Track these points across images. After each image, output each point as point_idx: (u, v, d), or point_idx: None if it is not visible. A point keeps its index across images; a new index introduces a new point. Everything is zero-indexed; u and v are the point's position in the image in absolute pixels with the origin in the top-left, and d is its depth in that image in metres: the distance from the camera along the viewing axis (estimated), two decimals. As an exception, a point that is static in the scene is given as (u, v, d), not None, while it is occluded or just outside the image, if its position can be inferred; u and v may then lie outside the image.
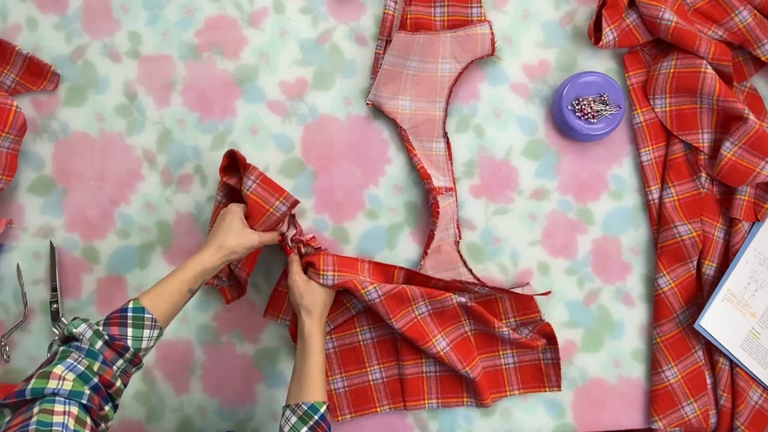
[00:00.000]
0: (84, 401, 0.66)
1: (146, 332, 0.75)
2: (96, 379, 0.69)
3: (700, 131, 0.97)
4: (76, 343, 0.72)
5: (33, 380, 0.66)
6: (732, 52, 0.99)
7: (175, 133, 1.00)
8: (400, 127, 0.98)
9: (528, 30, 1.02)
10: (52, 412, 0.63)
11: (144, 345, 0.75)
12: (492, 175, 1.00)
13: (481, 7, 0.99)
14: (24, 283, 0.98)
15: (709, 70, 0.94)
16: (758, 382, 0.96)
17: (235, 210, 0.86)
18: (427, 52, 0.97)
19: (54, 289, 0.97)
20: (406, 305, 0.91)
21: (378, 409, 0.96)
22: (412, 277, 0.95)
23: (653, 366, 0.97)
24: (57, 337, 0.74)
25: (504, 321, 0.97)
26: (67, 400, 0.65)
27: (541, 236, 1.00)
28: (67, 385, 0.66)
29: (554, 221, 1.00)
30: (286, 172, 1.00)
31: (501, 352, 0.97)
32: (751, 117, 0.92)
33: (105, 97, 1.00)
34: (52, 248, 0.98)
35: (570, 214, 1.00)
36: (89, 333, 0.72)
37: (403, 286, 0.91)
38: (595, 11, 0.97)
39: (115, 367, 0.72)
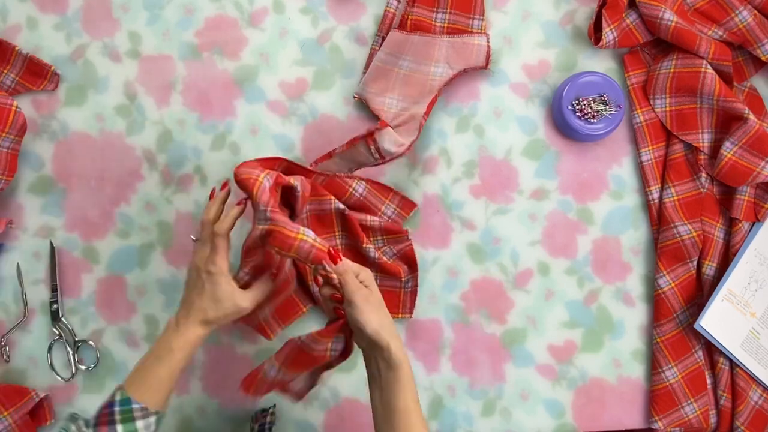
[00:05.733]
0: None
1: (139, 423, 0.68)
2: None
3: (700, 131, 0.97)
4: None
5: None
6: (732, 52, 0.99)
7: (175, 133, 1.00)
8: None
9: (528, 30, 1.02)
10: None
11: None
12: (492, 175, 1.00)
13: (483, 20, 0.99)
14: (24, 283, 0.98)
15: (709, 70, 0.94)
16: (758, 382, 0.96)
17: (214, 270, 0.72)
18: (422, 54, 0.97)
19: (54, 289, 0.97)
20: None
21: (304, 309, 0.96)
22: (293, 169, 0.89)
23: (653, 366, 0.97)
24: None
25: (371, 239, 0.96)
26: None
27: (541, 236, 1.00)
28: None
29: (554, 221, 1.00)
30: (286, 172, 1.00)
31: None
32: (751, 117, 0.92)
33: (105, 97, 1.00)
34: (52, 248, 0.98)
35: (570, 214, 1.00)
36: None
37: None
38: (595, 11, 0.97)
39: None
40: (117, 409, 0.68)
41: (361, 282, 0.71)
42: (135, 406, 0.68)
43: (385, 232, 0.96)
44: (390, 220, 0.97)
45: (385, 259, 0.95)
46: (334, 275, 0.71)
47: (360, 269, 0.73)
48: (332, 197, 0.94)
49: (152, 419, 0.69)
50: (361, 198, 0.96)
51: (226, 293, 0.72)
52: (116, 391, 0.70)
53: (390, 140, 0.92)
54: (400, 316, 0.97)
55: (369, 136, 0.92)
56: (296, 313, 0.97)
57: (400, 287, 0.97)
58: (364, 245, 0.94)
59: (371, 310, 0.69)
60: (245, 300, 0.74)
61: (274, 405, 0.92)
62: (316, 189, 0.94)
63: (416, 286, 0.97)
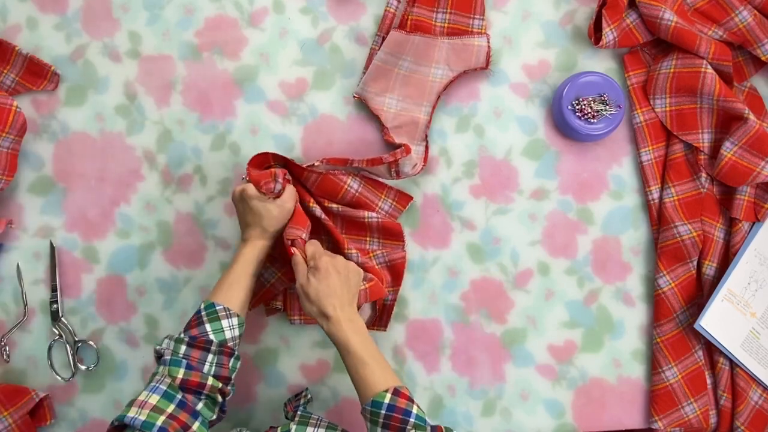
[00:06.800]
0: None
1: (224, 323, 0.77)
2: (179, 396, 0.71)
3: (700, 131, 0.97)
4: (163, 359, 0.75)
5: (123, 408, 0.68)
6: (732, 52, 0.99)
7: (175, 133, 1.00)
8: (383, 126, 0.98)
9: (528, 30, 1.02)
10: None
11: (228, 335, 0.77)
12: (492, 175, 1.00)
13: (483, 20, 0.99)
14: (24, 283, 0.98)
15: (709, 70, 0.94)
16: (758, 382, 0.96)
17: (251, 193, 0.84)
18: (422, 55, 0.97)
19: (54, 289, 0.97)
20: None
21: None
22: (289, 165, 0.93)
23: (653, 366, 0.97)
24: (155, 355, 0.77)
25: (367, 239, 0.97)
26: None
27: (541, 236, 1.00)
28: (143, 414, 0.67)
29: (554, 221, 1.00)
30: (286, 172, 1.00)
31: None
32: (751, 117, 0.92)
33: (105, 97, 1.00)
34: (52, 248, 0.98)
35: (570, 214, 1.00)
36: (171, 344, 0.76)
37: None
38: (595, 11, 0.97)
39: (205, 366, 0.74)
40: (203, 312, 0.78)
41: (312, 265, 0.82)
42: (218, 307, 0.78)
43: (383, 233, 0.96)
44: (387, 215, 0.97)
45: (371, 263, 0.94)
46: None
47: (313, 251, 0.84)
48: (314, 204, 0.93)
49: (234, 320, 0.78)
50: (357, 194, 0.95)
51: (266, 206, 0.84)
52: (201, 303, 0.79)
53: (410, 164, 0.96)
54: (375, 328, 0.97)
55: (393, 162, 0.94)
56: None
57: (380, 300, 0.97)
58: (345, 250, 0.93)
59: (307, 297, 0.80)
60: (282, 202, 0.85)
61: (306, 389, 0.93)
62: (302, 196, 0.94)
63: (395, 300, 0.97)
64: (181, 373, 0.72)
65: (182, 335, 0.76)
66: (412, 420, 0.72)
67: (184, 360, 0.73)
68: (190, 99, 1.01)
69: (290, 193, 0.87)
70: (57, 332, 0.97)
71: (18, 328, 0.97)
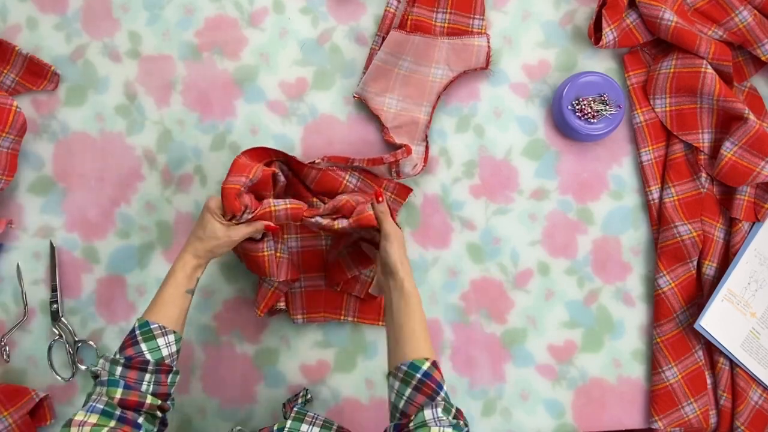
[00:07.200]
0: None
1: (160, 341, 0.76)
2: (118, 412, 0.70)
3: (700, 131, 0.97)
4: (100, 379, 0.74)
5: (61, 430, 0.67)
6: (732, 52, 0.99)
7: (175, 133, 1.00)
8: (383, 126, 0.98)
9: (528, 30, 1.02)
10: None
11: (165, 353, 0.76)
12: (492, 175, 1.00)
13: (483, 20, 0.99)
14: (24, 283, 0.98)
15: (709, 70, 0.94)
16: (758, 382, 0.96)
17: (211, 206, 0.81)
18: (422, 55, 0.97)
19: (54, 289, 0.97)
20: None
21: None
22: (290, 161, 0.93)
23: (653, 366, 0.97)
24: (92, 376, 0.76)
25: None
26: None
27: (541, 236, 1.00)
28: (86, 431, 0.67)
29: (554, 221, 1.00)
30: (286, 172, 1.00)
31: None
32: (751, 117, 0.93)
33: (105, 97, 1.00)
34: (52, 248, 0.98)
35: (570, 214, 1.00)
36: (107, 365, 0.74)
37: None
38: (595, 11, 0.97)
39: (143, 385, 0.73)
40: (138, 332, 0.76)
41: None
42: (153, 326, 0.76)
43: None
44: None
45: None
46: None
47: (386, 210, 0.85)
48: (315, 201, 0.94)
49: (171, 337, 0.77)
50: (356, 189, 0.96)
51: (216, 227, 0.81)
52: (135, 322, 0.77)
53: (410, 165, 0.96)
54: (380, 323, 0.97)
55: (394, 163, 0.94)
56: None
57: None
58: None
59: (399, 247, 0.81)
60: (233, 231, 0.82)
61: (306, 388, 0.94)
62: (301, 193, 0.94)
63: None
64: (119, 393, 0.71)
65: (118, 356, 0.74)
66: (442, 394, 0.72)
67: (121, 380, 0.73)
68: (190, 99, 1.01)
69: (246, 230, 0.82)
70: (57, 332, 0.97)
71: (18, 328, 0.97)
